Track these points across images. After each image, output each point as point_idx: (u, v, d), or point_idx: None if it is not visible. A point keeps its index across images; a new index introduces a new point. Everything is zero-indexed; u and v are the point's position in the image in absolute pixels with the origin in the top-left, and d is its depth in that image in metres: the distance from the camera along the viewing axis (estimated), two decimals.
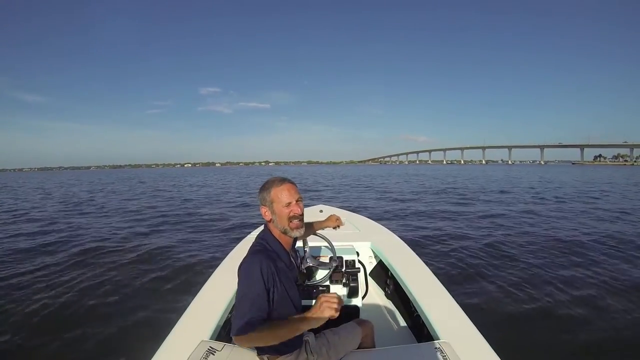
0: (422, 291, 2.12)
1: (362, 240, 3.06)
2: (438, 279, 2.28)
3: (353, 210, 4.59)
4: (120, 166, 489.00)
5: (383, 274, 2.96)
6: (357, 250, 2.57)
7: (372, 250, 3.07)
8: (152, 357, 1.47)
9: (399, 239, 3.18)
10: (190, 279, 4.36)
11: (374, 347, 1.77)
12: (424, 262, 2.59)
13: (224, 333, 1.84)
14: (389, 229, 3.54)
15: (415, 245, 5.26)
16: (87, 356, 2.80)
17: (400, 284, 2.35)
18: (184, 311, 1.85)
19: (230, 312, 1.95)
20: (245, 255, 1.42)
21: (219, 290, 2.06)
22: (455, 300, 2.00)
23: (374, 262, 3.12)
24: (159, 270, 4.80)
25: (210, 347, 1.49)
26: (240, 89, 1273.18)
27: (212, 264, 4.47)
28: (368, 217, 4.10)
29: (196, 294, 2.05)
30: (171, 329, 1.68)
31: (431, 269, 2.44)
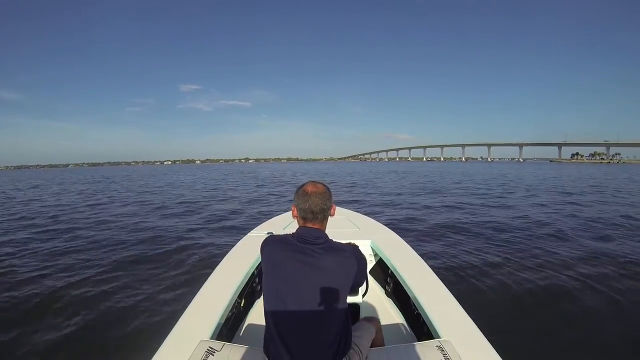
0: (422, 289, 2.10)
1: (362, 239, 3.01)
2: (438, 277, 2.26)
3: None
4: (100, 164, 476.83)
5: (383, 273, 2.96)
6: None
7: (372, 249, 3.04)
8: (151, 357, 1.45)
9: (399, 237, 3.15)
10: (190, 279, 4.38)
11: (384, 345, 1.77)
12: (424, 260, 2.57)
13: (224, 332, 1.88)
14: (389, 227, 3.51)
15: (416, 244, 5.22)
16: (87, 357, 2.78)
17: (401, 282, 2.33)
18: (183, 311, 1.81)
19: (230, 312, 1.97)
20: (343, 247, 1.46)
21: (219, 290, 2.04)
22: (456, 298, 1.97)
23: (374, 261, 3.10)
24: (158, 271, 4.79)
25: (210, 347, 1.48)
26: (221, 87, 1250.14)
27: (211, 264, 4.34)
28: (368, 215, 4.08)
29: (196, 293, 2.00)
30: (171, 328, 1.65)
31: (431, 267, 2.42)
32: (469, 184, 20.00)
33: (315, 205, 1.46)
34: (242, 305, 2.26)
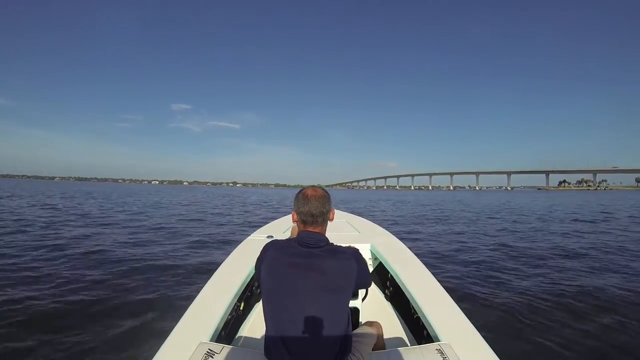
0: (422, 293, 2.11)
1: (362, 242, 2.99)
2: (438, 281, 2.28)
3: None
4: (87, 179, 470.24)
5: (383, 276, 2.95)
6: None
7: (372, 252, 3.02)
8: (151, 359, 1.45)
9: (398, 241, 3.17)
10: (189, 281, 4.42)
11: (385, 348, 1.81)
12: (424, 264, 2.57)
13: (224, 335, 1.87)
14: (389, 231, 3.50)
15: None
16: (87, 358, 2.75)
17: (400, 286, 2.34)
18: (183, 313, 1.82)
19: (230, 315, 1.97)
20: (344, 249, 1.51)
21: (219, 293, 2.03)
22: (455, 302, 1.99)
23: (374, 264, 3.12)
24: (158, 272, 4.91)
25: (209, 349, 1.49)
26: (211, 108, 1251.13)
27: (211, 266, 4.37)
28: (367, 219, 4.09)
29: (196, 296, 1.99)
30: (170, 331, 1.65)
31: (431, 271, 2.42)
32: (489, 215, 18.06)
33: (314, 209, 1.49)
34: (241, 308, 2.20)
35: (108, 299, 3.87)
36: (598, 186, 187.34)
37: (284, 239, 1.59)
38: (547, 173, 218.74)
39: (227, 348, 1.51)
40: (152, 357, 1.45)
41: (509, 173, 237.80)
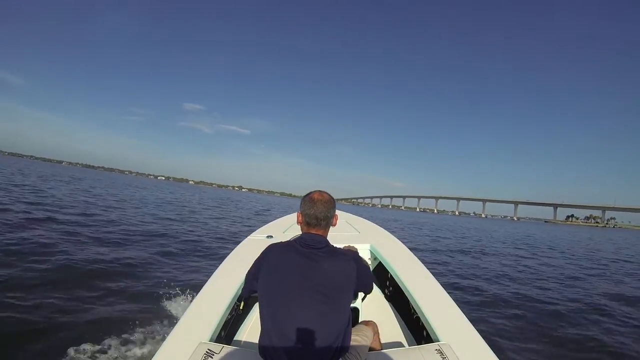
0: (421, 293, 2.12)
1: (361, 243, 2.94)
2: (438, 281, 2.28)
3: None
4: (93, 167, 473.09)
5: (382, 276, 2.95)
6: None
7: (372, 252, 3.02)
8: (150, 359, 1.47)
9: (398, 241, 3.17)
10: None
11: (381, 348, 1.80)
12: (423, 264, 2.58)
13: (223, 335, 1.88)
14: (388, 231, 3.51)
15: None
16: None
17: (400, 286, 2.35)
18: (183, 313, 1.82)
19: (229, 315, 1.97)
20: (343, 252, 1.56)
21: (219, 292, 2.03)
22: (455, 302, 2.00)
23: (374, 264, 3.09)
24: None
25: (208, 349, 1.50)
26: (224, 111, 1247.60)
27: (211, 266, 4.41)
28: (367, 220, 4.07)
29: (195, 296, 2.00)
30: (170, 331, 1.66)
31: (431, 272, 2.42)
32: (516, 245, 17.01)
33: (320, 212, 1.53)
34: (241, 308, 2.13)
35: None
36: (607, 223, 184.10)
37: (285, 240, 1.63)
38: (555, 206, 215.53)
39: (227, 348, 1.52)
40: (152, 357, 1.45)
41: (516, 203, 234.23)
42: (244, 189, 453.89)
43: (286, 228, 3.41)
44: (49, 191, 15.68)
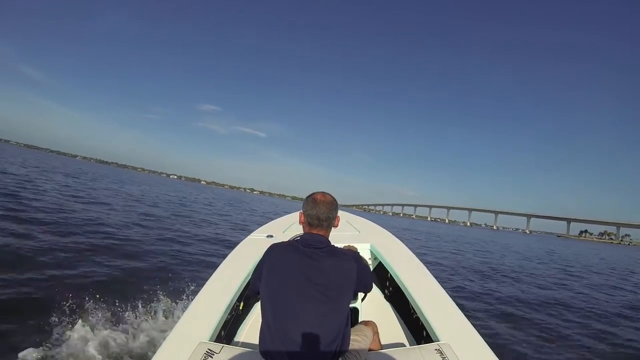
0: (421, 293, 2.13)
1: (361, 242, 2.96)
2: (437, 281, 2.28)
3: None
4: (107, 162, 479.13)
5: (382, 276, 2.92)
6: None
7: (372, 252, 3.02)
8: (150, 358, 1.47)
9: (398, 241, 3.16)
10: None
11: (381, 348, 1.82)
12: (423, 264, 2.58)
13: (223, 335, 1.87)
14: (389, 231, 3.49)
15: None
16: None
17: (400, 286, 2.35)
18: (183, 313, 1.83)
19: (229, 314, 1.96)
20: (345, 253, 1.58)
21: (219, 292, 2.03)
22: (455, 302, 2.00)
23: (374, 264, 3.08)
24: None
25: (208, 349, 1.50)
26: (241, 113, 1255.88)
27: (212, 265, 4.04)
28: (368, 219, 4.03)
29: (195, 295, 1.99)
30: (170, 330, 1.66)
31: (431, 271, 2.42)
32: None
33: (322, 213, 1.55)
34: (241, 307, 2.20)
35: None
36: (621, 240, 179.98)
37: (285, 240, 1.67)
38: (569, 221, 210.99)
39: (227, 348, 1.52)
40: (152, 357, 1.45)
41: (529, 216, 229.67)
42: (255, 191, 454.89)
43: (286, 227, 3.40)
44: (36, 182, 14.82)
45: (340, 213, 1.84)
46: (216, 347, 1.51)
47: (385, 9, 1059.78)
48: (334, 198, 1.64)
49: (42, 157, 79.35)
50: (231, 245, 4.45)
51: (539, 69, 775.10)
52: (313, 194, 1.64)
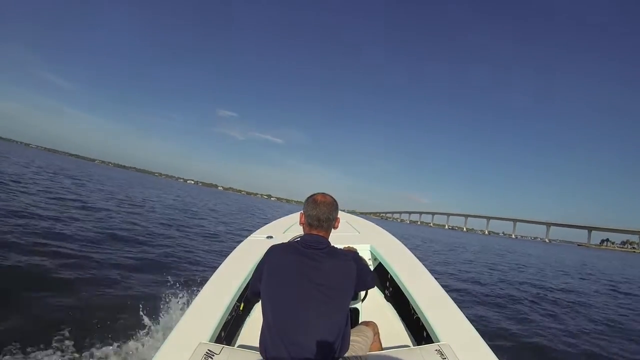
0: (421, 294, 2.13)
1: (361, 243, 2.96)
2: (438, 281, 2.27)
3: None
4: (125, 167, 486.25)
5: (382, 277, 2.92)
6: None
7: (372, 253, 3.01)
8: (151, 359, 1.48)
9: (398, 242, 3.14)
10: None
11: (382, 348, 1.82)
12: (423, 264, 2.56)
13: (223, 336, 1.87)
14: (389, 231, 3.46)
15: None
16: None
17: (400, 287, 2.34)
18: (183, 313, 1.82)
19: (229, 315, 1.96)
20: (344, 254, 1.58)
21: (219, 293, 2.02)
22: (455, 303, 1.99)
23: (374, 265, 3.07)
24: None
25: (208, 349, 1.49)
26: (259, 119, 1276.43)
27: (212, 266, 4.36)
28: (368, 220, 4.01)
29: (195, 296, 1.98)
30: (170, 331, 1.66)
31: (431, 272, 2.39)
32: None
33: (322, 214, 1.56)
34: (241, 308, 2.19)
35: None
36: None
37: (285, 241, 1.68)
38: (590, 229, 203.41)
39: (227, 348, 1.52)
40: (152, 358, 1.46)
41: (548, 224, 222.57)
42: (272, 197, 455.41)
43: (286, 228, 3.35)
44: (26, 181, 14.29)
45: (340, 214, 1.75)
46: (216, 347, 1.50)
47: (406, 19, 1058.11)
48: (334, 199, 1.64)
49: (55, 159, 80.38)
50: (231, 246, 3.60)
51: (559, 77, 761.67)
52: (313, 194, 1.63)
